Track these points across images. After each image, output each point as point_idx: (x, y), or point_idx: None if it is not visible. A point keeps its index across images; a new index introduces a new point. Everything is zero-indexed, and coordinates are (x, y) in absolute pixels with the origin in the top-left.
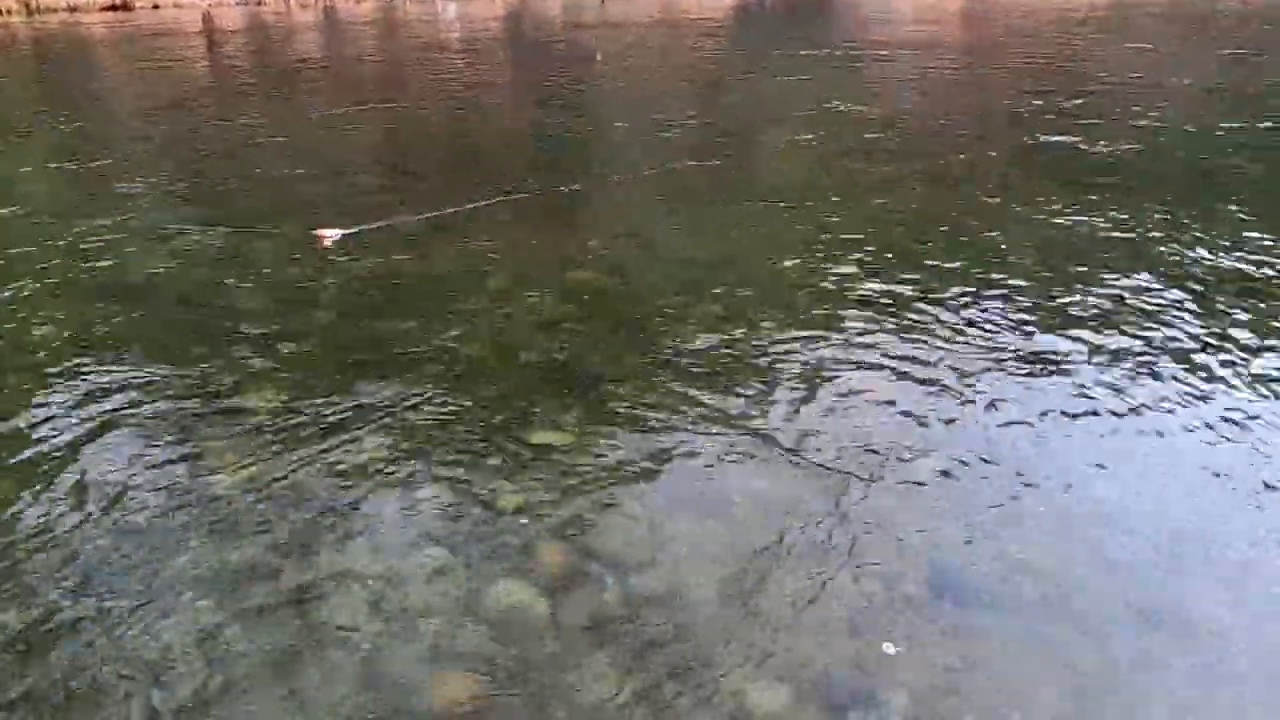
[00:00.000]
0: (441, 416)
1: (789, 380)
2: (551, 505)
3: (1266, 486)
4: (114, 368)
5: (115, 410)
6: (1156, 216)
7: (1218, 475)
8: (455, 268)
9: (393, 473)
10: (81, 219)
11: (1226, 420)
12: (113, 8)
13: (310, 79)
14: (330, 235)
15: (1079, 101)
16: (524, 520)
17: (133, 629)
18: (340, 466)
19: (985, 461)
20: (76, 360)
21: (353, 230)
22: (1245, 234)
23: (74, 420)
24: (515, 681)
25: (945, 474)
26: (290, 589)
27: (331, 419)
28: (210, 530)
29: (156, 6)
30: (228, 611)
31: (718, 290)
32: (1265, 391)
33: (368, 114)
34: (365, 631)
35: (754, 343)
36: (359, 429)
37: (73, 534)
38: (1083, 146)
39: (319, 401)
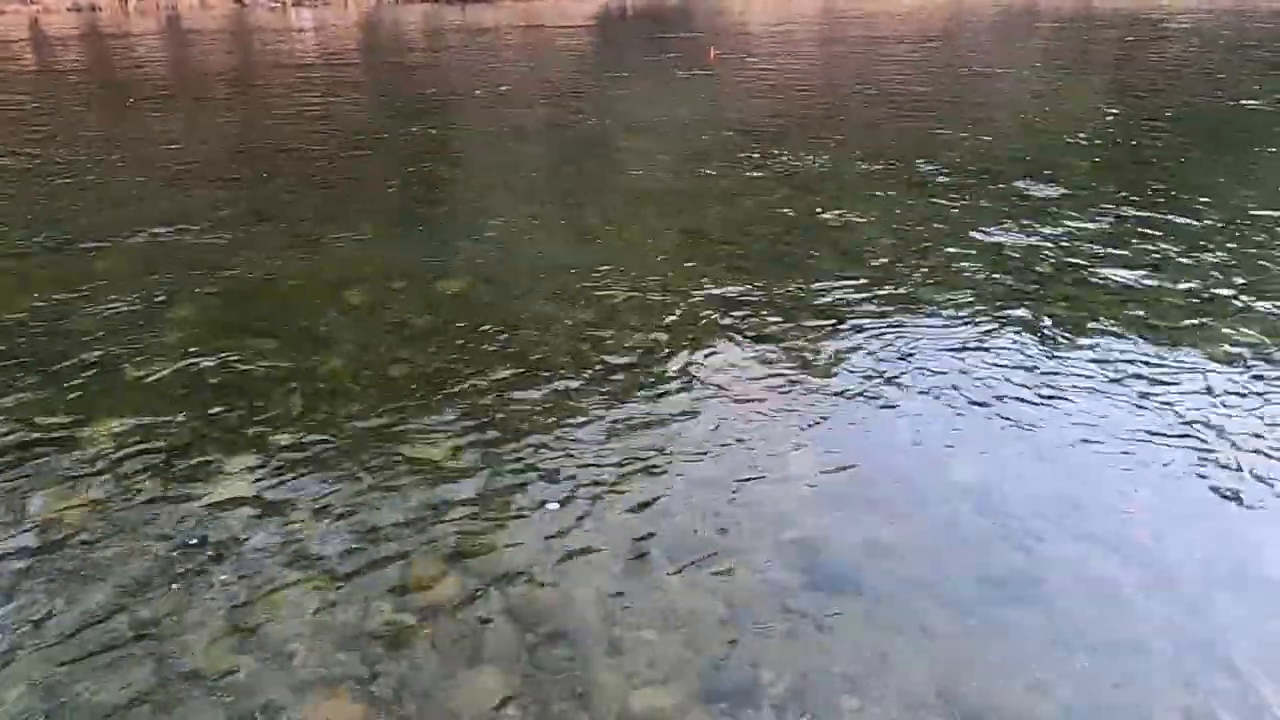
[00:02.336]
0: (305, 437)
1: (660, 383)
2: (428, 521)
3: (1107, 460)
4: None
5: None
6: (996, 211)
7: (1064, 447)
8: (315, 281)
9: (255, 499)
10: None
11: (1071, 396)
12: None
13: (151, 89)
14: None
15: (921, 104)
16: (400, 538)
17: None
18: (195, 496)
19: (859, 453)
20: None
21: None
22: (1079, 222)
23: None
24: (396, 703)
25: (819, 467)
26: (143, 630)
27: (183, 446)
28: (47, 572)
29: None
30: (71, 660)
31: (587, 296)
32: (1101, 366)
33: (214, 124)
34: (230, 666)
35: (625, 347)
36: (214, 456)
37: None
38: (921, 147)
39: (168, 428)
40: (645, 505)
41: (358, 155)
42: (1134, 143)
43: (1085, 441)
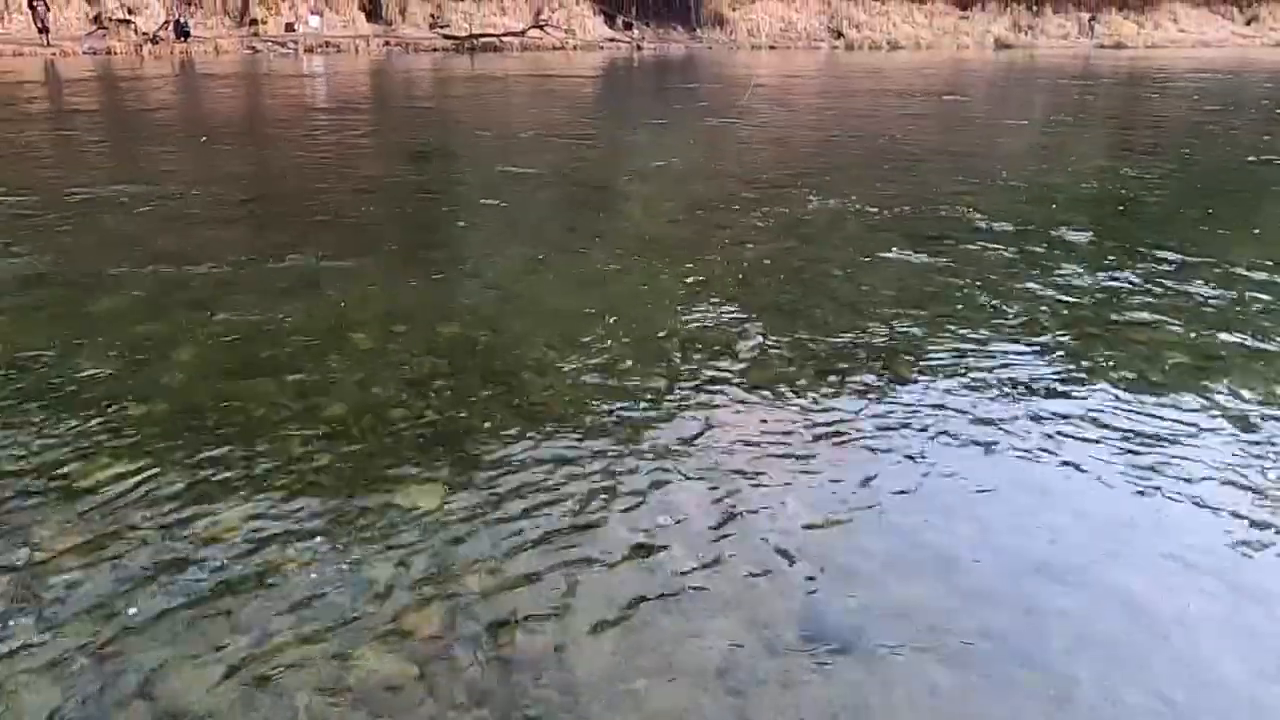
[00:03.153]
0: (304, 482)
1: (662, 432)
2: (422, 569)
3: (1111, 516)
4: None
5: None
6: (997, 265)
7: (1067, 502)
8: (319, 323)
9: (250, 544)
10: None
11: (1073, 451)
12: None
13: (165, 130)
14: None
15: (924, 156)
16: (394, 587)
17: None
18: (192, 540)
19: (860, 506)
20: None
21: None
22: (1080, 278)
23: None
24: None
25: (820, 520)
26: (135, 679)
27: (182, 489)
28: (44, 614)
29: None
30: (66, 705)
31: (588, 342)
32: (1103, 422)
33: (221, 165)
34: (226, 715)
35: (626, 395)
36: (212, 499)
37: None
38: (924, 200)
39: (169, 471)
40: (644, 555)
41: (364, 198)
42: (1136, 199)
43: (1088, 497)
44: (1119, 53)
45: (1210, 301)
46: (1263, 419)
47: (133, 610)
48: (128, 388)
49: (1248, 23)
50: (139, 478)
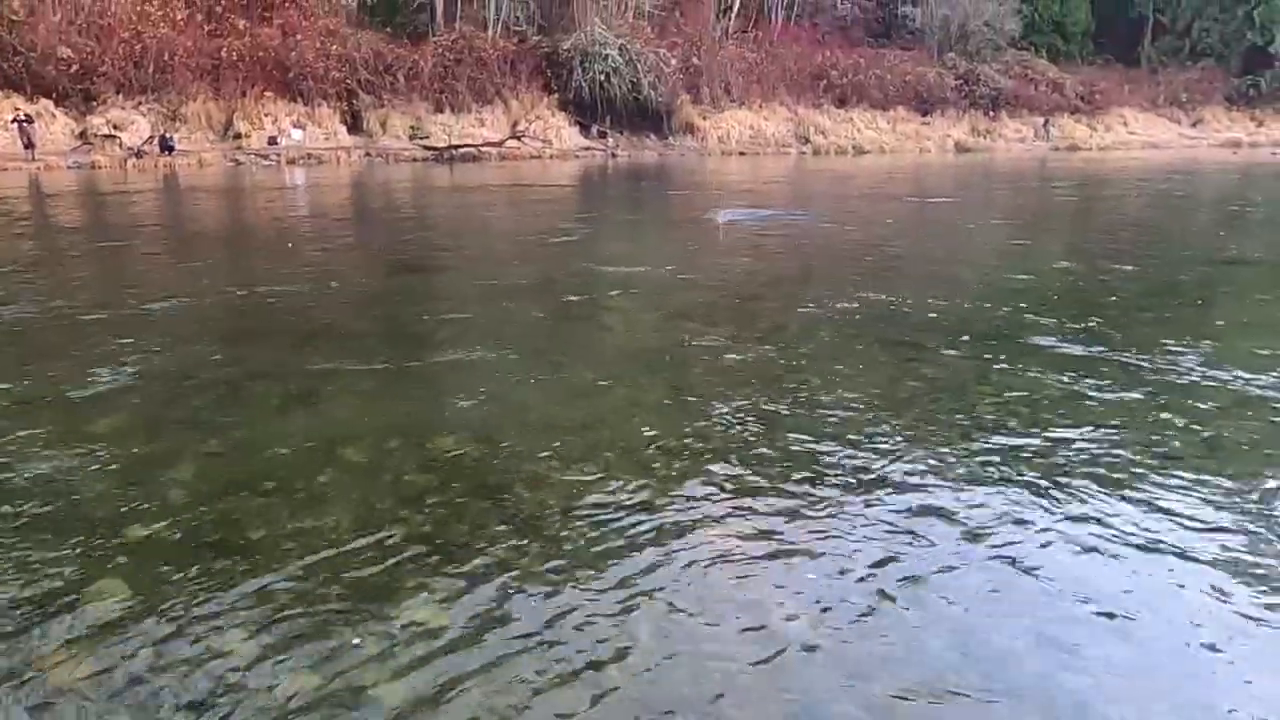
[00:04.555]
0: (302, 600)
1: (658, 544)
2: (423, 687)
3: (1087, 624)
4: None
5: None
6: (966, 369)
7: (1045, 611)
8: (314, 440)
9: (251, 664)
10: None
11: (1047, 556)
12: None
13: (152, 245)
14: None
15: (892, 262)
16: (394, 706)
17: None
18: (194, 660)
19: (846, 617)
20: None
21: None
22: (1045, 383)
23: None
24: None
25: (809, 629)
26: None
27: (182, 609)
28: None
29: None
30: None
31: (577, 455)
32: (1074, 525)
33: (207, 279)
34: None
35: (615, 508)
36: (213, 618)
37: None
38: (897, 304)
39: (169, 591)
40: (641, 668)
41: (354, 311)
42: (1096, 301)
43: (1064, 605)
44: (1073, 154)
45: (1173, 400)
46: (1229, 510)
47: None
48: (128, 508)
49: (1193, 125)
50: (141, 599)
